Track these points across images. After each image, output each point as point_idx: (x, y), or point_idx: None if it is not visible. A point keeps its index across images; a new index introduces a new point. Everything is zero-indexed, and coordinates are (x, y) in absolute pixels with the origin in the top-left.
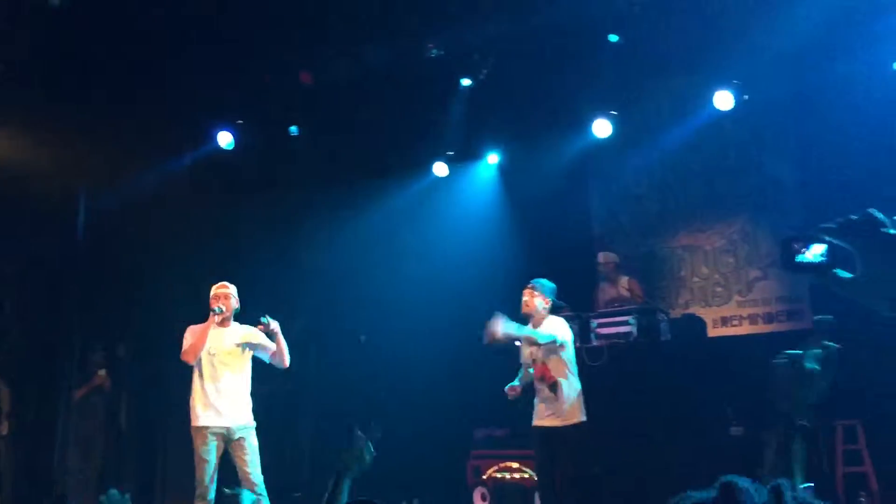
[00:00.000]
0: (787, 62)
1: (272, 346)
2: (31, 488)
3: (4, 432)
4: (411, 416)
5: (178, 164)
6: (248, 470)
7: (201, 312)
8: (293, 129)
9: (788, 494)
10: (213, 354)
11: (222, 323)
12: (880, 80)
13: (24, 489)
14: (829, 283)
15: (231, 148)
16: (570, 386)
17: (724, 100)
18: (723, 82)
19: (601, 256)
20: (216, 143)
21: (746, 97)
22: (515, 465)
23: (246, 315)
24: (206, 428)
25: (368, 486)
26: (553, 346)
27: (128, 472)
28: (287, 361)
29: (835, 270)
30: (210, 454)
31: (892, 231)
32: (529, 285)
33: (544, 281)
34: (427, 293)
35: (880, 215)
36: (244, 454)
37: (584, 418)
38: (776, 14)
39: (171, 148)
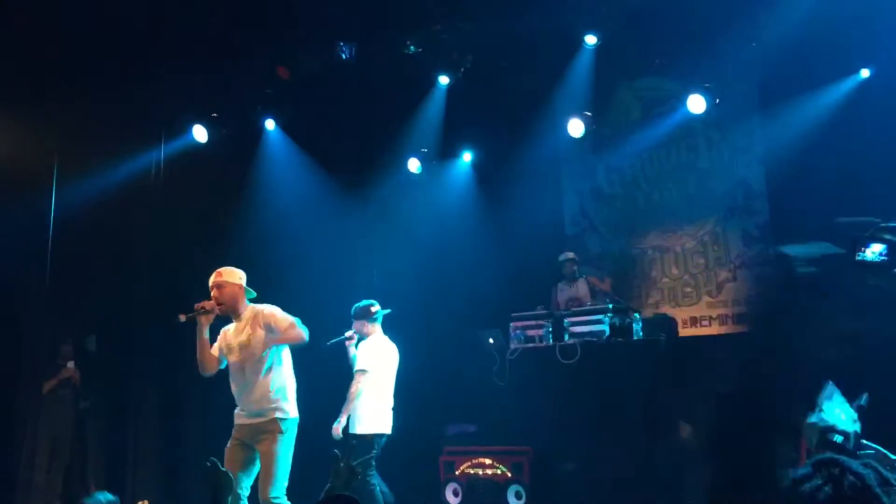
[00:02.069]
0: (755, 67)
1: (279, 330)
2: None
3: None
4: None
5: (152, 157)
6: (260, 480)
7: (175, 305)
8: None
9: (884, 470)
10: (227, 353)
11: (232, 317)
12: (847, 86)
13: None
14: (885, 281)
15: (205, 141)
16: (368, 401)
17: (696, 103)
18: (695, 86)
19: (564, 256)
20: (191, 136)
21: (718, 101)
22: (488, 461)
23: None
24: (234, 426)
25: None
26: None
27: (92, 472)
28: (301, 335)
29: (894, 270)
30: (230, 451)
31: None
32: None
33: (356, 305)
34: (399, 290)
35: None
36: (261, 460)
37: (369, 431)
38: (746, 20)
39: (146, 140)
